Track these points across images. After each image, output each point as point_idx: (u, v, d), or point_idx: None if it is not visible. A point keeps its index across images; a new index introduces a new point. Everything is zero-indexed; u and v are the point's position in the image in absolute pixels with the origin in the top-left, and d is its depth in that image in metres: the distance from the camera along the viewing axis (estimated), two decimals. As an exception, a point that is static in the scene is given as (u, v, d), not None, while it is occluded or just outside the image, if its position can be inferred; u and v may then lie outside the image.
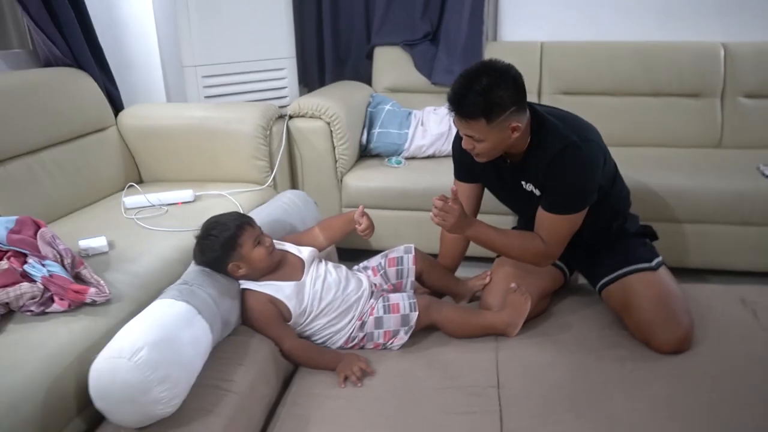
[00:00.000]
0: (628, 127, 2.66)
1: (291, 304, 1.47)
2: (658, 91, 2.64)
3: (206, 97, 2.61)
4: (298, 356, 1.47)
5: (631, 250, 1.63)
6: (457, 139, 1.60)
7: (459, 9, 2.74)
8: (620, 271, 1.59)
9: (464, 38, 2.74)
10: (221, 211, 1.54)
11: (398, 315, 1.53)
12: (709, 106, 2.61)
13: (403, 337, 1.53)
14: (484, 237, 1.56)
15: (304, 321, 1.51)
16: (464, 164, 1.66)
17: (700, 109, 2.62)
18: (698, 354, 1.46)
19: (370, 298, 1.57)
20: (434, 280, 1.71)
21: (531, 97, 2.68)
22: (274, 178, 2.20)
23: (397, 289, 1.66)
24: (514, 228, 1.86)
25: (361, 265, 1.72)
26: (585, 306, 1.70)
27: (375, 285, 1.63)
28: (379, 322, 1.53)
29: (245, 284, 1.48)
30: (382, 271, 1.66)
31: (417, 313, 1.52)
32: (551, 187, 1.48)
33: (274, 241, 1.58)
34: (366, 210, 1.60)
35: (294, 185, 2.40)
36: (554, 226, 1.50)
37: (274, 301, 1.47)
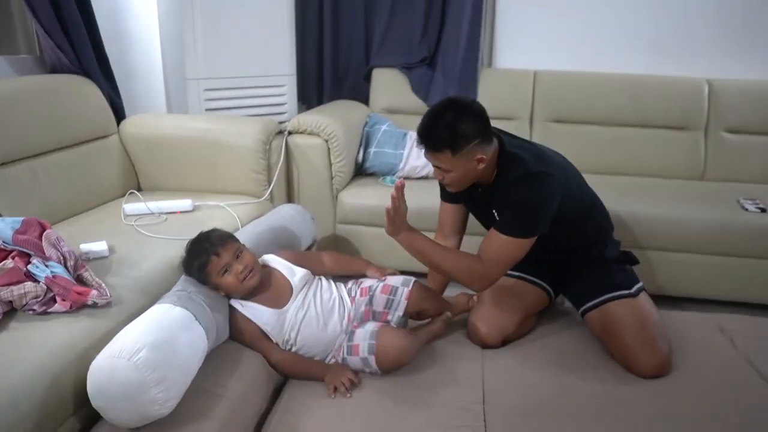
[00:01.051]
0: (615, 156, 2.73)
1: (268, 329, 1.49)
2: (645, 122, 2.72)
3: (207, 110, 2.65)
4: (286, 368, 1.50)
5: (611, 277, 1.68)
6: None
7: (456, 35, 2.82)
8: (600, 298, 1.63)
9: (460, 64, 2.82)
10: (215, 224, 1.57)
11: (358, 357, 1.49)
12: (693, 140, 2.70)
13: (372, 373, 1.49)
14: (419, 244, 1.58)
15: (286, 348, 1.51)
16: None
17: (685, 142, 2.70)
18: (677, 378, 1.51)
19: (343, 334, 1.54)
20: (432, 311, 1.68)
21: (522, 124, 2.81)
22: (271, 191, 2.24)
23: (381, 319, 1.56)
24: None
25: (357, 281, 1.67)
26: (569, 327, 1.75)
27: (350, 316, 1.57)
28: (345, 363, 1.51)
29: (232, 301, 1.50)
30: (371, 293, 1.59)
31: (374, 356, 1.46)
32: (506, 209, 1.54)
33: (269, 257, 1.60)
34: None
35: (290, 200, 2.45)
36: (499, 246, 1.52)
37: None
